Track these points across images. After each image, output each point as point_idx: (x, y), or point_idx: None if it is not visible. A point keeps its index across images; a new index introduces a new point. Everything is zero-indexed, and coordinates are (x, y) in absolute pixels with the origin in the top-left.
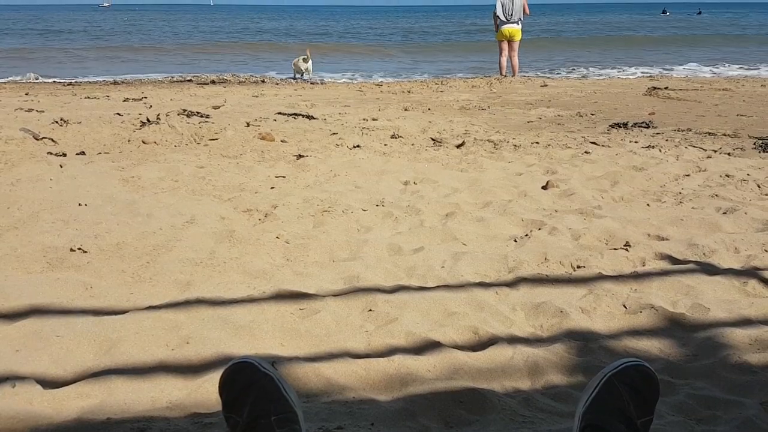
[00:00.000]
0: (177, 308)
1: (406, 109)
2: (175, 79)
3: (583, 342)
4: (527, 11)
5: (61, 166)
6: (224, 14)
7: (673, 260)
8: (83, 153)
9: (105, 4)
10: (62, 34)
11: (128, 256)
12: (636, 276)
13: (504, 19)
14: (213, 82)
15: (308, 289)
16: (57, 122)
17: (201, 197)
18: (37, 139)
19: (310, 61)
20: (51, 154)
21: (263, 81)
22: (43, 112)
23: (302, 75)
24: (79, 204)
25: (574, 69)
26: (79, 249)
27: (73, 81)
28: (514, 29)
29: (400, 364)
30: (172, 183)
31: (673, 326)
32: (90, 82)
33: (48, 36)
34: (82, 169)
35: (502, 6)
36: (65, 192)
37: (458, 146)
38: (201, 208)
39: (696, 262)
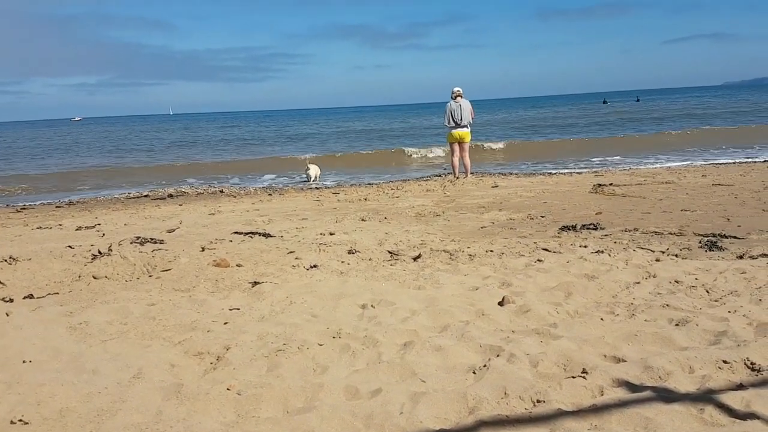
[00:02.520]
0: None
1: (363, 219)
2: (131, 195)
3: None
4: (473, 116)
5: (7, 315)
6: (183, 123)
7: (631, 387)
8: (31, 296)
9: (76, 119)
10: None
11: (71, 425)
12: (595, 409)
13: (454, 123)
14: (170, 195)
15: None
16: (6, 260)
17: (151, 341)
18: None
19: (314, 169)
20: None
21: (221, 191)
22: None
23: (310, 180)
24: (24, 361)
25: (523, 166)
26: (20, 421)
27: (26, 205)
28: (463, 132)
29: None
30: (121, 327)
31: None
32: (44, 204)
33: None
34: (29, 317)
35: (452, 112)
36: (10, 347)
37: (415, 259)
38: (150, 357)
39: (653, 388)
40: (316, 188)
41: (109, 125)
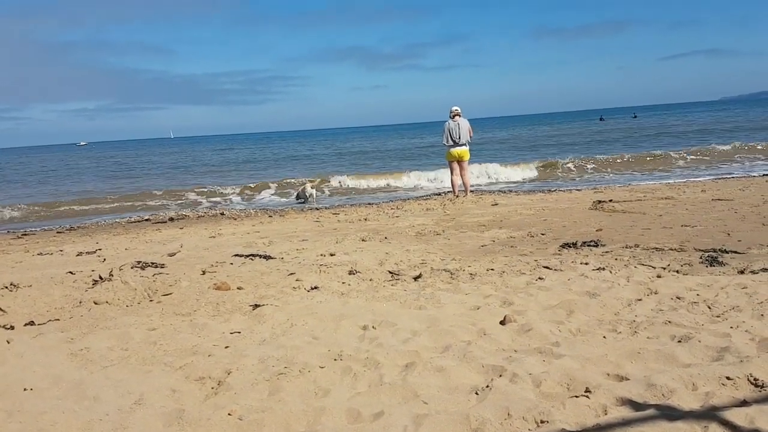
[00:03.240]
0: None
1: (363, 240)
2: (132, 220)
3: None
4: (471, 134)
5: (8, 342)
6: (183, 146)
7: (634, 405)
8: (32, 323)
9: (82, 144)
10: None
11: None
12: (599, 429)
13: (452, 142)
14: (171, 219)
15: None
16: (7, 287)
17: (152, 367)
18: None
19: (314, 190)
20: None
21: (222, 214)
22: None
23: (306, 200)
24: (25, 389)
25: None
26: None
27: (27, 230)
28: (462, 150)
29: None
30: (122, 352)
31: None
32: (45, 230)
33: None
34: (30, 344)
35: (450, 131)
36: (11, 375)
37: (415, 278)
38: (151, 383)
39: (656, 406)
40: (316, 209)
41: (114, 150)
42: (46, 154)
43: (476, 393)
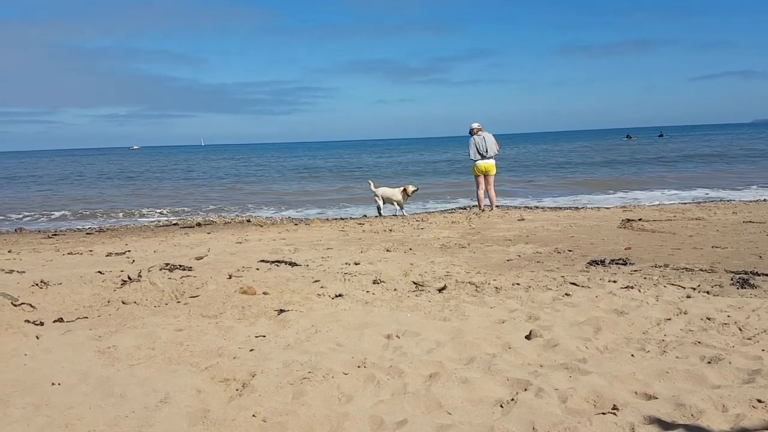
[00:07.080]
0: None
1: (388, 250)
2: (161, 224)
3: None
4: (497, 148)
5: (37, 338)
6: (214, 154)
7: (663, 424)
8: (61, 320)
9: (135, 147)
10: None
11: None
12: None
13: (479, 156)
14: (199, 224)
15: None
16: (37, 284)
17: (178, 367)
18: (15, 305)
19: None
20: (28, 322)
21: (248, 221)
22: (24, 272)
23: (401, 208)
24: (53, 384)
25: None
26: None
27: (58, 231)
28: (489, 164)
29: None
30: (148, 351)
31: None
32: (75, 231)
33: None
34: (59, 340)
35: (477, 145)
36: (39, 370)
37: (440, 290)
38: (177, 382)
39: (685, 426)
40: (366, 217)
41: (173, 154)
42: (132, 158)
43: (501, 406)
